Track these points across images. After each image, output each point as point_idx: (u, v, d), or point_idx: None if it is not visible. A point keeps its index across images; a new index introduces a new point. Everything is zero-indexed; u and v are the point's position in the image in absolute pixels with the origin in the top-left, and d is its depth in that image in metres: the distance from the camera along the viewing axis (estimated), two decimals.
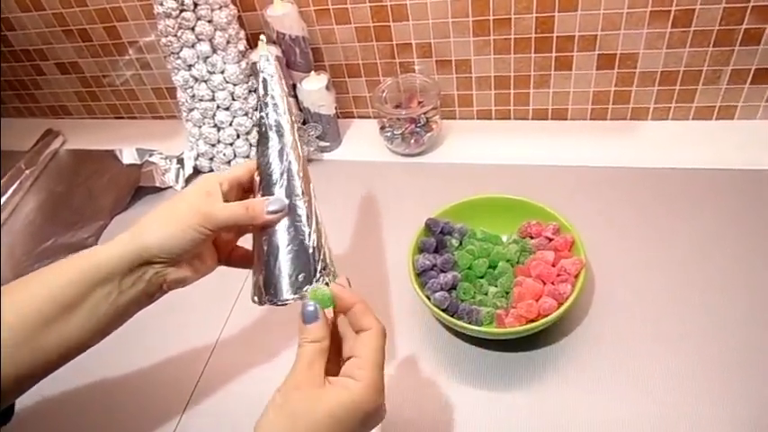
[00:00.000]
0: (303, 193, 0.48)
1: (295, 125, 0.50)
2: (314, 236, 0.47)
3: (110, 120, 1.08)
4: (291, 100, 0.52)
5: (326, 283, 0.45)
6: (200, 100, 0.81)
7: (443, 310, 0.58)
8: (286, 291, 0.45)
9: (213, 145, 0.85)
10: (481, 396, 0.56)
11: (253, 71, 0.82)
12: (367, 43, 0.84)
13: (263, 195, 0.48)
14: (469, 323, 0.57)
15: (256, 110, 0.50)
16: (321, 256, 0.47)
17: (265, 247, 0.47)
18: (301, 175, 0.48)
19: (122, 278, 0.43)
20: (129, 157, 0.93)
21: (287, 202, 0.47)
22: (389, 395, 0.57)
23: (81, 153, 0.99)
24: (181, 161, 0.89)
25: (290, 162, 0.48)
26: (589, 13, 0.74)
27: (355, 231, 0.76)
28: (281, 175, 0.48)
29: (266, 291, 0.46)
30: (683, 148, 0.78)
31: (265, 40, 0.72)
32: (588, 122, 0.86)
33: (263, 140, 0.49)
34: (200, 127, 0.84)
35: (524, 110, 0.87)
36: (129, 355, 0.64)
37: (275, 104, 0.49)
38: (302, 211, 0.47)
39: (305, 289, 0.45)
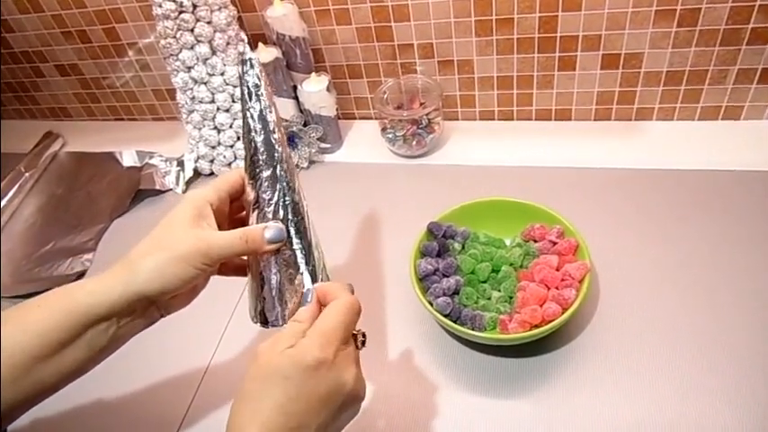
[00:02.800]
0: (299, 209, 0.45)
1: (284, 136, 0.46)
2: (311, 254, 0.46)
3: (110, 122, 1.07)
4: (277, 108, 0.47)
5: None
6: (200, 102, 0.80)
7: (446, 316, 0.57)
8: (283, 316, 0.45)
9: (214, 147, 0.84)
10: (484, 403, 0.55)
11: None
12: (368, 44, 0.84)
13: (257, 215, 0.45)
14: (472, 329, 0.56)
15: (244, 126, 0.46)
16: (317, 275, 0.46)
17: (260, 269, 0.45)
18: (297, 191, 0.46)
19: (120, 317, 0.42)
20: (129, 159, 0.93)
21: (283, 228, 0.44)
22: (391, 400, 0.56)
23: (81, 155, 0.98)
24: (181, 163, 0.88)
25: (287, 186, 0.45)
26: (593, 12, 0.73)
27: (356, 234, 0.75)
28: (276, 193, 0.45)
29: (264, 314, 0.45)
30: (689, 148, 0.77)
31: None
32: (592, 123, 0.85)
33: (253, 159, 0.45)
34: (200, 129, 0.83)
35: (527, 110, 0.86)
36: (123, 372, 0.61)
37: (264, 120, 0.44)
38: (299, 233, 0.45)
39: None
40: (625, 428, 0.51)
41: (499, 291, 0.61)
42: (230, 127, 0.83)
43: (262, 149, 0.45)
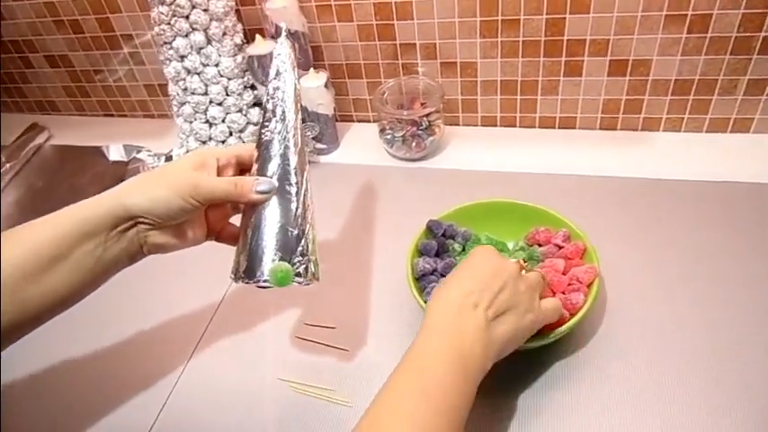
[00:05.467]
0: (296, 180, 0.48)
1: (299, 113, 0.50)
2: (298, 221, 0.47)
3: (99, 117, 1.04)
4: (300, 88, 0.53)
5: (299, 273, 0.45)
6: (193, 93, 0.77)
7: None
8: (259, 272, 0.44)
9: (204, 142, 0.81)
10: (484, 413, 0.51)
11: (249, 65, 0.78)
12: (369, 42, 0.81)
13: (256, 173, 0.48)
14: None
15: (265, 91, 0.51)
16: (303, 243, 0.46)
17: (249, 227, 0.47)
18: (296, 161, 0.48)
19: (107, 234, 0.43)
20: (115, 153, 0.89)
21: (276, 184, 0.47)
22: None
23: (66, 149, 0.95)
24: (169, 158, 0.84)
25: (286, 147, 0.48)
26: (602, 15, 0.71)
27: (351, 236, 0.71)
28: (277, 157, 0.48)
29: (242, 269, 0.45)
30: (696, 160, 0.74)
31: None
32: (597, 132, 0.82)
33: (265, 122, 0.49)
34: (191, 123, 0.80)
35: (531, 117, 0.84)
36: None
37: (283, 92, 0.50)
38: (291, 196, 0.47)
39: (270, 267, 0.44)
40: None
41: None
42: (222, 121, 0.79)
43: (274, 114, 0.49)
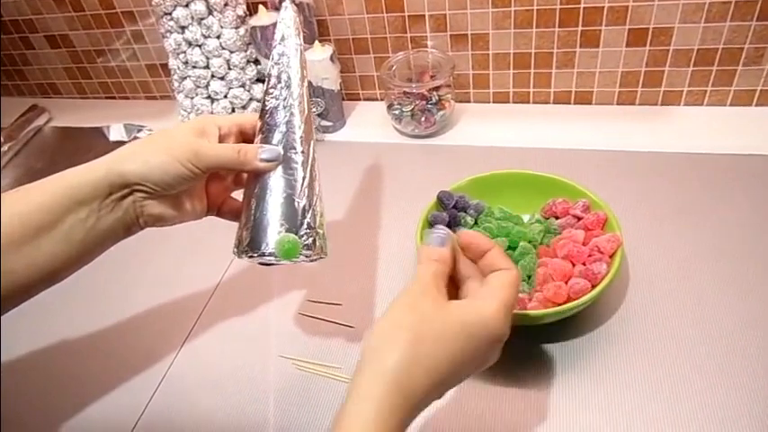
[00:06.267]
0: (302, 149, 0.45)
1: (305, 80, 0.47)
2: (305, 192, 0.44)
3: (100, 99, 1.02)
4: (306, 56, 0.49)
5: (307, 245, 0.42)
6: (194, 67, 0.74)
7: None
8: (264, 244, 0.41)
9: None
10: (498, 391, 0.47)
11: (252, 38, 0.75)
12: (376, 15, 0.78)
13: (260, 143, 0.45)
14: None
15: (269, 57, 0.48)
16: (310, 215, 0.43)
17: (253, 198, 0.44)
18: (303, 129, 0.45)
19: (101, 201, 0.40)
20: (116, 134, 0.87)
21: (281, 152, 0.44)
22: None
23: (66, 130, 0.93)
24: None
25: (292, 114, 0.45)
26: None
27: (357, 214, 0.68)
28: (282, 125, 0.45)
29: (246, 242, 0.42)
30: (719, 134, 0.71)
31: None
32: (615, 107, 0.79)
33: (269, 89, 0.47)
34: (192, 98, 0.77)
35: (545, 92, 0.80)
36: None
37: (288, 57, 0.47)
38: (297, 165, 0.44)
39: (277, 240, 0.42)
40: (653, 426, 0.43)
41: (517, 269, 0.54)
42: (225, 97, 0.77)
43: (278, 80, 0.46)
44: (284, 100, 0.46)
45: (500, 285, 0.37)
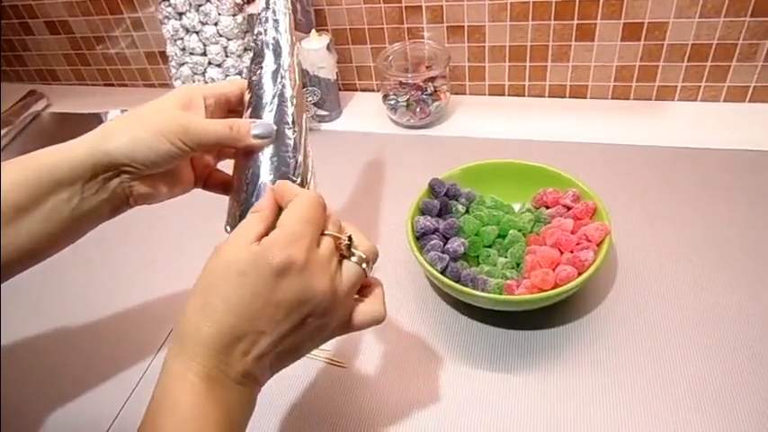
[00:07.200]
0: (294, 121, 0.43)
1: (295, 48, 0.45)
2: (300, 169, 0.42)
3: (99, 87, 1.02)
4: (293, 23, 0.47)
5: None
6: (191, 53, 0.74)
7: (443, 275, 0.50)
8: None
9: None
10: (485, 377, 0.48)
11: (249, 26, 0.76)
12: (374, 5, 0.79)
13: (250, 117, 0.42)
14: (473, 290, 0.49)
15: (255, 26, 0.45)
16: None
17: (245, 175, 0.42)
18: (295, 101, 0.43)
19: (85, 183, 0.38)
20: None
21: (275, 128, 0.42)
22: (381, 369, 0.50)
23: (64, 116, 0.93)
24: None
25: (283, 86, 0.43)
26: None
27: (352, 203, 0.69)
28: (273, 98, 0.42)
29: (240, 221, 0.40)
30: (712, 129, 0.71)
31: None
32: (609, 102, 0.79)
33: (257, 59, 0.44)
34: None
35: (540, 86, 0.81)
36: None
37: (276, 20, 0.44)
38: (290, 140, 0.42)
39: None
40: (643, 416, 0.44)
41: (506, 257, 0.55)
42: None
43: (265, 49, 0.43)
44: (275, 70, 0.43)
45: (287, 213, 0.35)
